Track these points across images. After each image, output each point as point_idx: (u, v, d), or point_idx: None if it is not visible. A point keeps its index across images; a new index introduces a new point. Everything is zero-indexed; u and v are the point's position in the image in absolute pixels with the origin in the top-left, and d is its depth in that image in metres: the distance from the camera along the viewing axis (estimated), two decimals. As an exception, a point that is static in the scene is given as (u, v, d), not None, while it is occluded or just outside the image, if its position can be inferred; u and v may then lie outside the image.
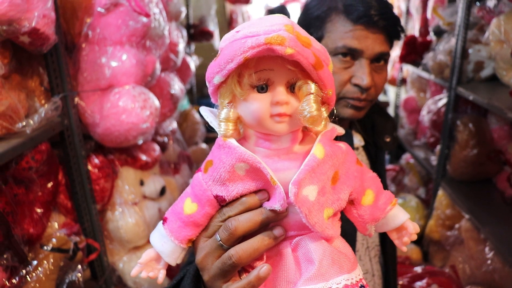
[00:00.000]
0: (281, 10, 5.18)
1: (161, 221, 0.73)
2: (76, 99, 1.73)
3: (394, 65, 4.63)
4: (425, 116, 3.21)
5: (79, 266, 1.67)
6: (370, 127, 1.37)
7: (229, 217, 0.67)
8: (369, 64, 1.15)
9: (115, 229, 1.95)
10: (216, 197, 0.67)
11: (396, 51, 4.42)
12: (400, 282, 2.29)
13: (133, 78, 1.79)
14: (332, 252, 0.65)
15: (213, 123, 0.70)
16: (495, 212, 2.27)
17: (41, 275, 1.48)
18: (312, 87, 0.62)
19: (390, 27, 1.17)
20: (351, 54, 1.14)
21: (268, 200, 0.66)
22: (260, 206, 0.67)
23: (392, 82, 4.68)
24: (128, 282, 2.04)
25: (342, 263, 0.65)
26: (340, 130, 0.72)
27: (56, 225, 1.69)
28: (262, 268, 0.63)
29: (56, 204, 1.75)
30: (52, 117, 1.54)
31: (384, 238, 1.36)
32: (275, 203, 0.64)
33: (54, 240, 1.58)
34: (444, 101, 2.94)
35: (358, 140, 1.33)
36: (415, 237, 0.74)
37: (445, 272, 2.39)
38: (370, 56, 1.15)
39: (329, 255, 0.64)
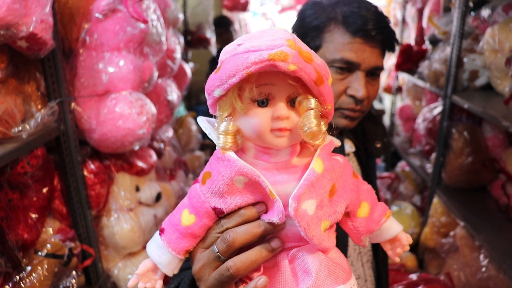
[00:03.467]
0: (224, 19, 5.11)
1: (158, 232, 0.73)
2: (73, 105, 1.72)
3: (390, 73, 4.66)
4: (420, 124, 3.23)
5: (74, 272, 1.66)
6: (361, 133, 1.39)
7: (227, 229, 0.68)
8: (365, 77, 1.17)
9: (110, 235, 1.94)
10: (214, 209, 0.68)
11: (392, 60, 4.45)
12: (396, 290, 2.29)
13: (130, 84, 1.79)
14: (328, 264, 0.66)
15: (211, 135, 0.71)
16: (490, 219, 2.28)
17: (35, 281, 1.47)
18: (312, 102, 0.63)
19: (387, 41, 1.19)
20: (348, 66, 1.16)
21: (266, 213, 0.67)
22: (258, 218, 0.67)
23: (388, 90, 4.70)
24: (122, 288, 2.03)
25: (338, 274, 0.66)
26: (337, 143, 0.73)
27: (50, 230, 1.68)
28: (259, 280, 0.64)
29: (51, 210, 1.74)
30: (48, 122, 1.54)
31: (376, 244, 1.37)
32: (273, 216, 0.64)
33: (48, 245, 1.57)
34: (439, 109, 2.96)
35: (349, 146, 1.34)
36: (407, 248, 0.76)
37: (440, 279, 2.40)
38: (366, 69, 1.16)
39: (326, 266, 0.65)
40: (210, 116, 0.73)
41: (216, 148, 0.68)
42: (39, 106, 1.57)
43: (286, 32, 0.63)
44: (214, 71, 0.65)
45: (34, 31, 1.31)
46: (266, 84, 0.62)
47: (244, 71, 0.59)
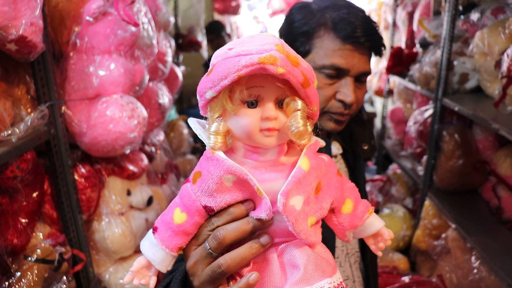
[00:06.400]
0: (216, 24, 5.13)
1: (151, 230, 0.76)
2: (63, 108, 1.71)
3: (381, 76, 4.68)
4: (411, 127, 3.24)
5: (64, 278, 1.64)
6: (348, 135, 1.41)
7: (218, 226, 0.71)
8: (353, 82, 1.20)
9: (101, 239, 1.93)
10: (205, 207, 0.70)
11: (383, 62, 4.47)
12: (388, 292, 2.29)
13: (121, 88, 1.78)
14: (316, 258, 0.69)
15: (201, 136, 0.73)
16: (481, 221, 2.29)
17: (24, 287, 1.46)
18: (299, 104, 0.66)
19: (375, 47, 1.23)
20: (338, 72, 1.18)
21: (254, 210, 0.70)
22: (247, 215, 0.70)
23: (379, 93, 4.72)
24: (114, 293, 2.01)
25: (325, 267, 0.69)
26: (322, 143, 0.76)
27: (41, 235, 1.66)
28: (251, 275, 0.67)
29: (41, 214, 1.72)
30: (38, 125, 1.52)
31: (364, 244, 1.38)
32: (261, 213, 0.67)
33: (38, 251, 1.55)
34: (430, 112, 2.98)
35: (336, 148, 1.36)
36: (389, 243, 0.80)
37: (432, 281, 2.40)
38: (355, 74, 1.20)
39: (313, 260, 0.68)
40: (201, 118, 0.76)
41: (206, 148, 0.71)
42: (29, 110, 1.56)
43: (274, 38, 0.67)
44: (206, 73, 0.68)
45: (24, 34, 1.30)
46: (256, 86, 0.65)
47: (235, 73, 0.62)
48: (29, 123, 1.45)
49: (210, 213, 0.71)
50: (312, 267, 0.67)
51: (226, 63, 0.64)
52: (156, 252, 0.73)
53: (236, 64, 0.62)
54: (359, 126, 1.41)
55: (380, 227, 0.79)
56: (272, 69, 0.61)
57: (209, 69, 0.68)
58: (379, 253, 0.81)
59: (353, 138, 1.40)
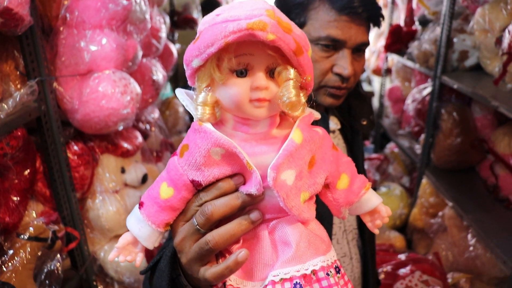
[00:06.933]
0: (212, 1, 5.01)
1: (137, 206, 0.73)
2: (54, 84, 1.67)
3: (379, 55, 4.63)
4: (409, 105, 3.22)
5: (58, 256, 1.63)
6: (347, 110, 1.38)
7: (206, 201, 0.68)
8: (351, 54, 1.16)
9: (95, 217, 1.91)
10: (192, 181, 0.67)
11: (381, 41, 4.41)
12: (384, 269, 2.30)
13: (113, 63, 1.74)
14: (309, 235, 0.66)
15: (189, 107, 0.70)
16: (478, 199, 2.29)
17: (17, 265, 1.45)
18: (292, 72, 0.62)
19: (373, 18, 1.18)
20: (334, 43, 1.14)
21: (244, 184, 0.67)
22: (236, 190, 0.67)
23: (377, 71, 4.67)
24: (109, 271, 2.00)
25: (318, 245, 0.67)
26: (317, 115, 0.73)
27: (33, 213, 1.64)
28: (240, 253, 0.64)
29: (34, 192, 1.70)
30: (28, 101, 1.49)
31: (362, 221, 1.37)
32: (251, 187, 0.64)
33: (31, 229, 1.53)
34: (428, 90, 2.95)
35: (334, 123, 1.34)
36: (387, 220, 0.77)
37: (428, 259, 2.41)
38: (352, 46, 1.15)
39: (306, 237, 0.66)
40: None
41: (194, 119, 0.68)
42: (19, 86, 1.52)
43: (265, 3, 0.63)
44: (193, 41, 0.64)
45: (9, 5, 1.25)
46: (245, 54, 0.61)
47: (222, 40, 0.58)
48: (17, 99, 1.42)
49: (198, 187, 0.68)
50: (305, 244, 0.65)
51: (213, 29, 0.60)
52: (142, 228, 0.71)
53: (223, 31, 0.58)
54: (358, 101, 1.38)
55: (378, 204, 0.76)
56: (262, 36, 0.57)
57: (196, 36, 0.65)
58: (376, 231, 0.78)
59: (351, 113, 1.37)
